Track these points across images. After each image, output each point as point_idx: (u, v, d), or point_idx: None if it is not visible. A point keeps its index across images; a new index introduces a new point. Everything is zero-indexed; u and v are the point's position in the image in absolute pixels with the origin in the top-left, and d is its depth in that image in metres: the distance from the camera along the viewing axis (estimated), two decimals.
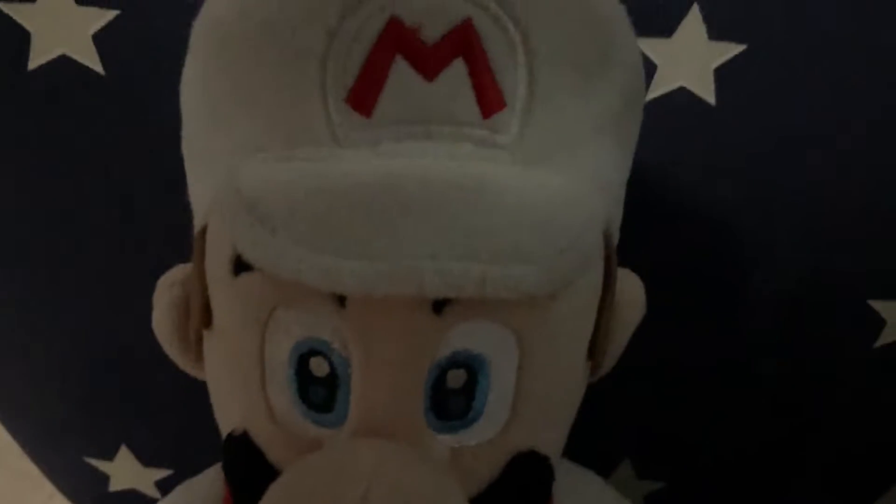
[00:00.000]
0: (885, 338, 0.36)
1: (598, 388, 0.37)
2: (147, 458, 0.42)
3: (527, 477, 0.23)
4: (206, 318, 0.25)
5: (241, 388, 0.24)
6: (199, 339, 0.26)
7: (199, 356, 0.26)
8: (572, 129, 0.23)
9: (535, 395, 0.23)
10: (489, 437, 0.23)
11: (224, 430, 0.25)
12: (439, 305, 0.21)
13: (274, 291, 0.22)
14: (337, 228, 0.20)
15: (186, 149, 0.26)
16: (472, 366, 0.22)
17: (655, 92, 0.32)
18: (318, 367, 0.22)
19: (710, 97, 0.33)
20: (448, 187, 0.20)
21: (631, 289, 0.27)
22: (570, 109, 0.23)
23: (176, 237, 0.28)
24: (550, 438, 0.24)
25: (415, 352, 0.21)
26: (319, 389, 0.22)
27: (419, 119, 0.21)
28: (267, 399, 0.23)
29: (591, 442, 0.33)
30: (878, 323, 0.36)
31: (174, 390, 0.39)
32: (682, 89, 0.33)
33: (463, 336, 0.22)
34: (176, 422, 0.40)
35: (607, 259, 0.24)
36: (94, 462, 0.42)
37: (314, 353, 0.22)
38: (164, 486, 0.42)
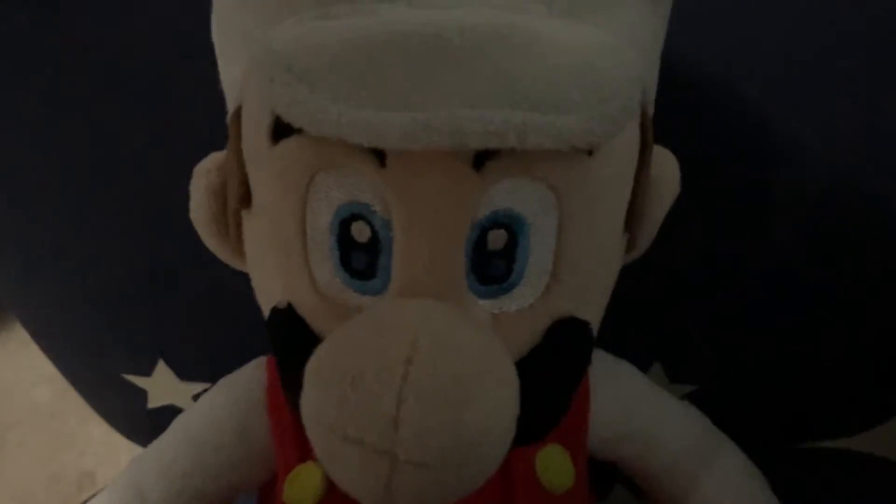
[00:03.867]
0: None
1: (629, 288, 0.37)
2: (184, 373, 0.42)
3: (567, 342, 0.24)
4: (246, 199, 0.25)
5: (283, 263, 0.24)
6: (238, 225, 0.26)
7: (237, 243, 0.27)
8: None
9: (574, 259, 0.23)
10: (529, 302, 0.23)
11: (267, 311, 0.26)
12: (480, 161, 0.21)
13: (314, 155, 0.22)
14: (376, 81, 0.20)
15: (218, 36, 0.26)
16: (512, 226, 0.22)
17: None
18: (360, 231, 0.22)
19: None
20: (487, 36, 0.20)
21: (666, 165, 0.27)
22: None
23: (209, 138, 0.28)
24: (589, 308, 0.25)
25: (455, 209, 0.21)
26: (361, 255, 0.23)
27: None
28: (310, 270, 0.23)
29: (622, 345, 0.33)
30: None
31: (210, 303, 0.40)
32: None
33: (503, 194, 0.22)
34: (212, 335, 0.41)
35: (643, 127, 0.24)
36: (131, 378, 0.43)
37: (355, 217, 0.22)
38: None
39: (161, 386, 0.43)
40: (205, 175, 0.26)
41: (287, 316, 0.24)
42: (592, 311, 0.25)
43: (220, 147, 0.27)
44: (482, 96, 0.19)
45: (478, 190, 0.21)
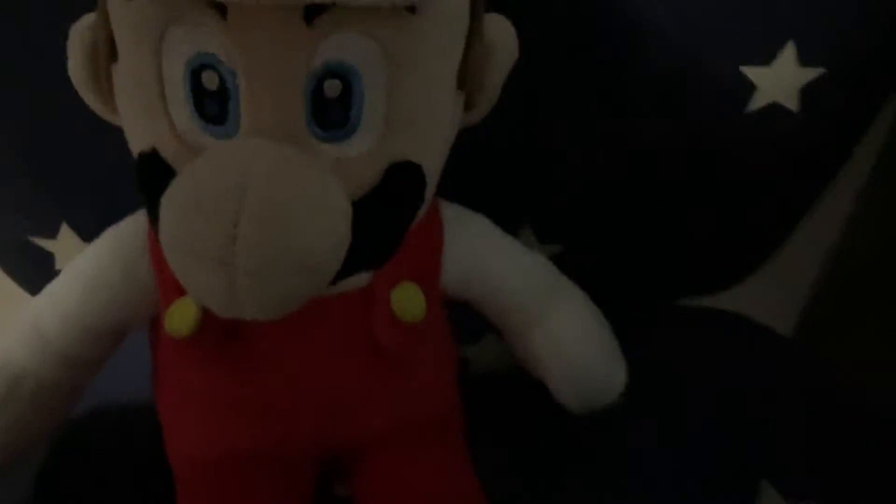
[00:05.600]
0: (755, 103, 0.40)
1: (495, 151, 0.40)
2: (88, 235, 0.45)
3: (402, 182, 0.27)
4: (113, 54, 0.27)
5: (146, 111, 0.27)
6: (109, 79, 0.28)
7: (111, 98, 0.29)
8: None
9: (406, 108, 0.26)
10: (368, 147, 0.26)
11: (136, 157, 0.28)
12: (310, 16, 0.23)
13: (163, 9, 0.24)
14: None
15: None
16: (345, 77, 0.25)
17: None
18: (210, 80, 0.25)
19: None
20: None
21: (502, 31, 0.29)
22: None
23: None
24: (425, 153, 0.28)
25: (290, 60, 0.24)
26: (212, 102, 0.25)
27: None
28: (169, 117, 0.26)
29: (491, 206, 0.37)
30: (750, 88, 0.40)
31: (110, 166, 0.42)
32: None
33: (334, 47, 0.24)
34: (113, 198, 0.43)
35: None
36: (37, 241, 0.45)
37: (205, 67, 0.25)
38: None
39: (67, 248, 0.45)
40: (80, 34, 0.28)
41: (151, 159, 0.26)
42: (428, 157, 0.28)
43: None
44: None
45: (310, 43, 0.24)
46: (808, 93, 0.40)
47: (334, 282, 0.25)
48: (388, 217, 0.27)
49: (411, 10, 0.24)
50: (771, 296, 0.57)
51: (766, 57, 0.39)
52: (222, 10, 0.23)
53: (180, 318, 0.30)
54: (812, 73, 0.40)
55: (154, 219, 0.26)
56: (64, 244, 0.45)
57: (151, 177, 0.27)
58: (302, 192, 0.23)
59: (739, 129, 0.41)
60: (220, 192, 0.22)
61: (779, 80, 0.40)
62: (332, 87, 0.25)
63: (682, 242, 0.46)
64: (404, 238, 0.28)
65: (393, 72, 0.25)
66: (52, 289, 0.34)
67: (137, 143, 0.28)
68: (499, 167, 0.42)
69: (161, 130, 0.26)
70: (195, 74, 0.25)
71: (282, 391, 0.32)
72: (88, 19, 0.29)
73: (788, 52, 0.39)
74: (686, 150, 0.42)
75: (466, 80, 0.28)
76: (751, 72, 0.39)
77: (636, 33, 0.39)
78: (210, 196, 0.23)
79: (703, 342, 0.49)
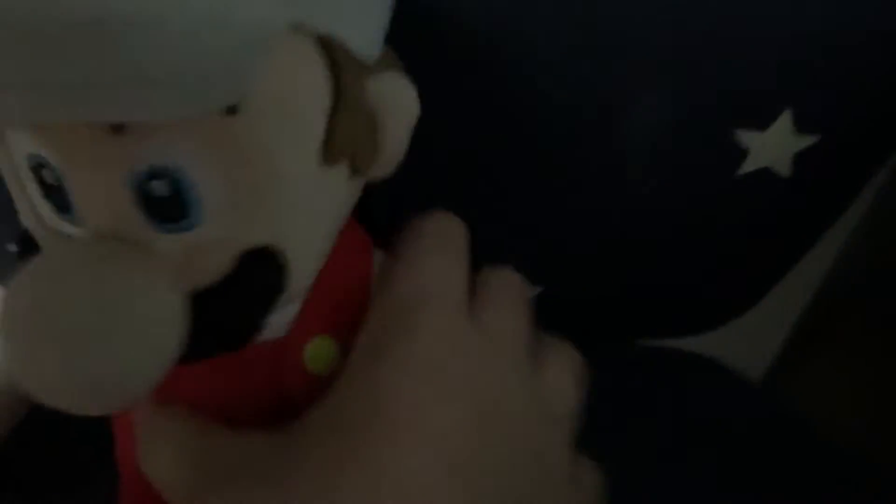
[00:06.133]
0: (746, 167, 0.40)
1: (480, 195, 0.40)
2: None
3: (254, 268, 0.26)
4: None
5: (16, 196, 0.27)
6: None
7: None
8: None
9: (250, 196, 0.25)
10: (217, 235, 0.25)
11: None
12: (118, 126, 0.23)
13: None
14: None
15: None
16: (172, 176, 0.24)
17: None
18: (48, 175, 0.25)
19: None
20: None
21: (394, 92, 0.28)
22: None
23: None
24: (291, 237, 0.27)
25: (108, 165, 0.24)
26: (56, 195, 0.25)
27: None
28: (32, 203, 0.26)
29: (472, 246, 0.36)
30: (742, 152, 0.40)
31: None
32: None
33: (154, 152, 0.23)
34: None
35: (334, 66, 0.25)
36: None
37: (41, 164, 0.25)
38: None
39: None
40: None
41: (28, 242, 0.27)
42: (293, 239, 0.27)
43: None
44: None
45: (124, 149, 0.23)
46: (801, 159, 0.40)
47: (186, 362, 0.25)
48: (236, 305, 0.26)
49: (231, 110, 0.23)
50: (746, 337, 0.58)
51: (762, 123, 0.39)
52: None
53: None
54: (806, 141, 0.39)
55: None
56: None
57: (27, 253, 0.27)
58: (97, 318, 0.23)
59: (729, 191, 0.41)
60: (21, 310, 0.23)
61: (773, 145, 0.39)
62: (161, 187, 0.24)
63: (663, 293, 0.47)
64: (266, 317, 0.27)
65: (227, 164, 0.24)
66: None
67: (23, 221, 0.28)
68: (484, 210, 0.42)
69: (29, 216, 0.27)
70: (37, 170, 0.25)
71: None
72: None
73: (784, 119, 0.39)
74: (674, 209, 0.41)
75: (336, 152, 0.27)
76: (745, 136, 0.39)
77: (632, 92, 0.38)
78: (20, 314, 0.23)
79: (670, 384, 0.49)
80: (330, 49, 0.25)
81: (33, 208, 0.26)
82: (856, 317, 0.62)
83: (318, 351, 0.31)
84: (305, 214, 0.27)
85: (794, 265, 0.46)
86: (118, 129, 0.23)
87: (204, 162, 0.24)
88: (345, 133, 0.27)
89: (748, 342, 0.59)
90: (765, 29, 0.36)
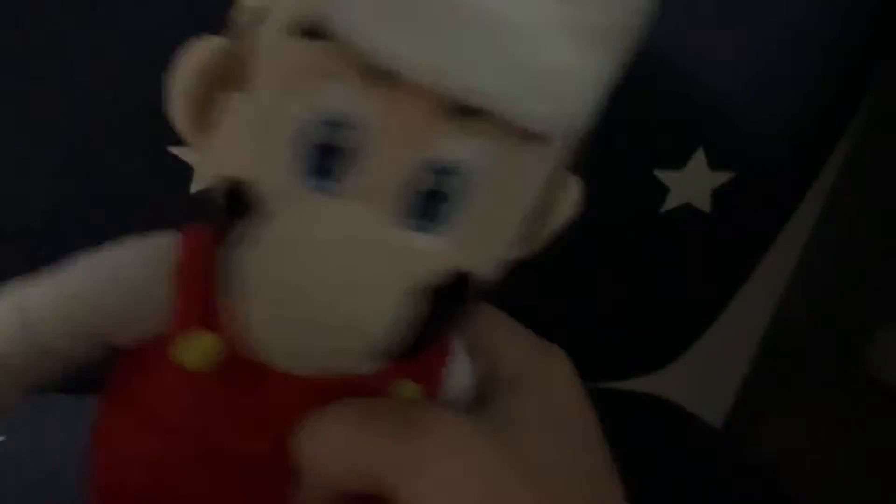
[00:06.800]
0: (669, 204, 0.43)
1: None
2: None
3: (456, 290, 0.26)
4: (240, 82, 0.27)
5: (260, 146, 0.26)
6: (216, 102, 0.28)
7: (207, 119, 0.28)
8: None
9: (490, 224, 0.27)
10: (438, 248, 0.26)
11: (219, 180, 0.28)
12: (455, 112, 0.24)
13: (317, 60, 0.24)
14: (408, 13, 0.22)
15: None
16: (459, 175, 0.25)
17: None
18: (333, 137, 0.25)
19: None
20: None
21: (573, 188, 0.30)
22: None
23: None
24: (483, 270, 0.28)
25: (418, 143, 0.24)
26: (330, 157, 0.25)
27: None
28: (285, 158, 0.26)
29: None
30: (663, 190, 0.42)
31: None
32: None
33: (465, 148, 0.25)
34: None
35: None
36: None
37: (334, 123, 0.25)
38: None
39: None
40: (205, 53, 0.28)
41: (238, 187, 0.26)
42: (480, 274, 0.28)
43: None
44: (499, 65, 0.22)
45: (440, 135, 0.24)
46: (720, 195, 0.42)
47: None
48: (428, 320, 0.26)
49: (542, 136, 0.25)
50: (706, 378, 0.59)
51: (677, 162, 0.41)
52: (373, 75, 0.24)
53: (197, 350, 0.30)
54: (722, 178, 0.42)
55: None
56: None
57: (236, 201, 0.27)
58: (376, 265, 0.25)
59: (655, 226, 0.43)
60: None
61: (691, 182, 0.42)
62: (443, 182, 0.25)
63: (596, 329, 0.48)
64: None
65: (496, 187, 0.26)
66: (52, 275, 0.31)
67: (228, 169, 0.27)
68: None
69: (271, 167, 0.26)
70: (322, 127, 0.25)
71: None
72: (214, 41, 0.28)
73: (699, 157, 0.41)
74: (601, 247, 0.43)
75: (530, 221, 0.29)
76: (664, 175, 0.42)
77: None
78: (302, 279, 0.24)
79: (624, 427, 0.50)
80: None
81: (285, 161, 0.26)
82: (804, 356, 0.63)
83: (402, 392, 0.31)
84: (495, 260, 0.29)
85: (731, 298, 0.48)
86: (454, 115, 0.24)
87: (490, 173, 0.25)
88: (542, 205, 0.29)
89: (706, 387, 0.60)
90: (674, 63, 0.39)
